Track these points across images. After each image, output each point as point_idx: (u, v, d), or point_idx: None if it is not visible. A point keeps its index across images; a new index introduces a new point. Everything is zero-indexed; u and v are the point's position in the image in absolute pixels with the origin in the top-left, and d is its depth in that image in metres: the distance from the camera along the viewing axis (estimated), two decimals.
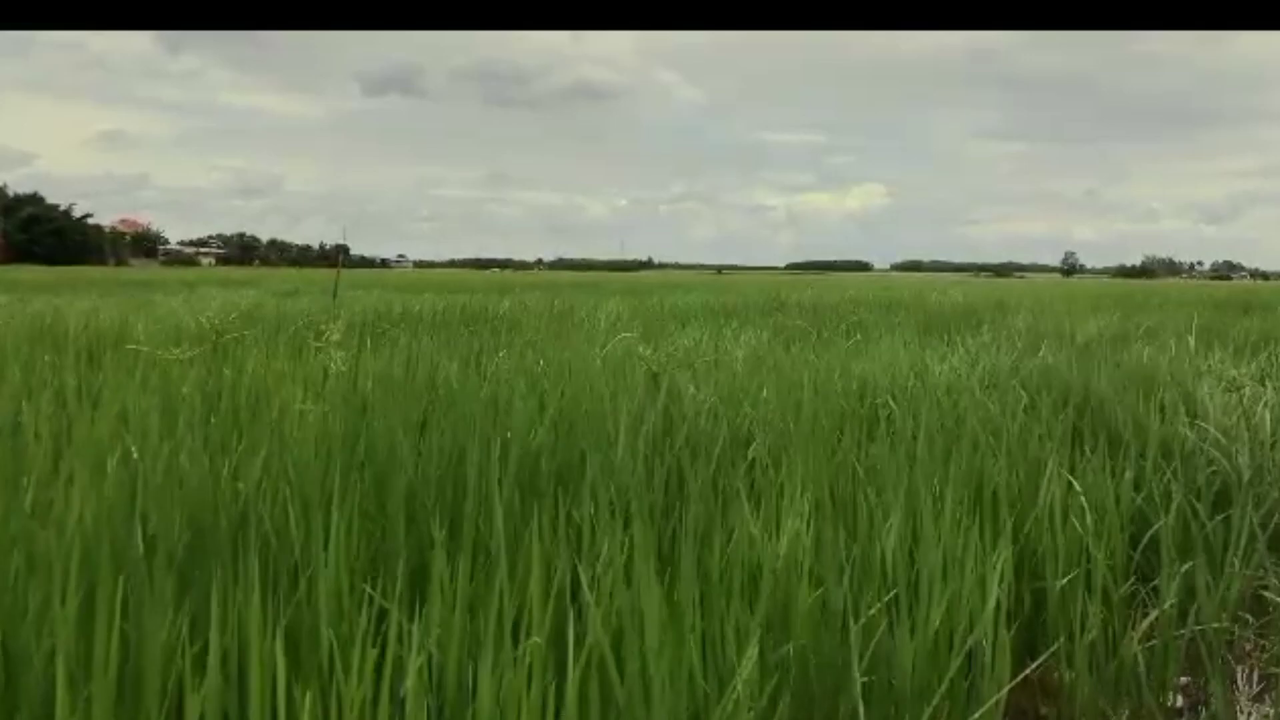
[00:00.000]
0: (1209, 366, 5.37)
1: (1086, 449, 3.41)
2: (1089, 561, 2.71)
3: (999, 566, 2.34)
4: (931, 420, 3.49)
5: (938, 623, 2.15)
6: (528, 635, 1.70)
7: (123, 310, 10.23)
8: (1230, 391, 4.37)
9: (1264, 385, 4.62)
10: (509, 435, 2.94)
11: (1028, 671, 2.38)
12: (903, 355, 6.08)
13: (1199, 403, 4.41)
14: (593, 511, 2.41)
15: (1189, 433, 3.95)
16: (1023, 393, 4.58)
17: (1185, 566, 2.70)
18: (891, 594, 2.24)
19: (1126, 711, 2.48)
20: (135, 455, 2.54)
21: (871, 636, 2.11)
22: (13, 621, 1.73)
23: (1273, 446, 3.91)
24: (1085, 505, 2.86)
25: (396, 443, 2.71)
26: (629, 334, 7.04)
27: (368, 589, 1.94)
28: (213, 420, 3.23)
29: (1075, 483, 3.00)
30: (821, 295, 16.70)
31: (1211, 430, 3.93)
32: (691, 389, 4.15)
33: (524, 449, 2.86)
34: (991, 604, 2.25)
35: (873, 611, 2.15)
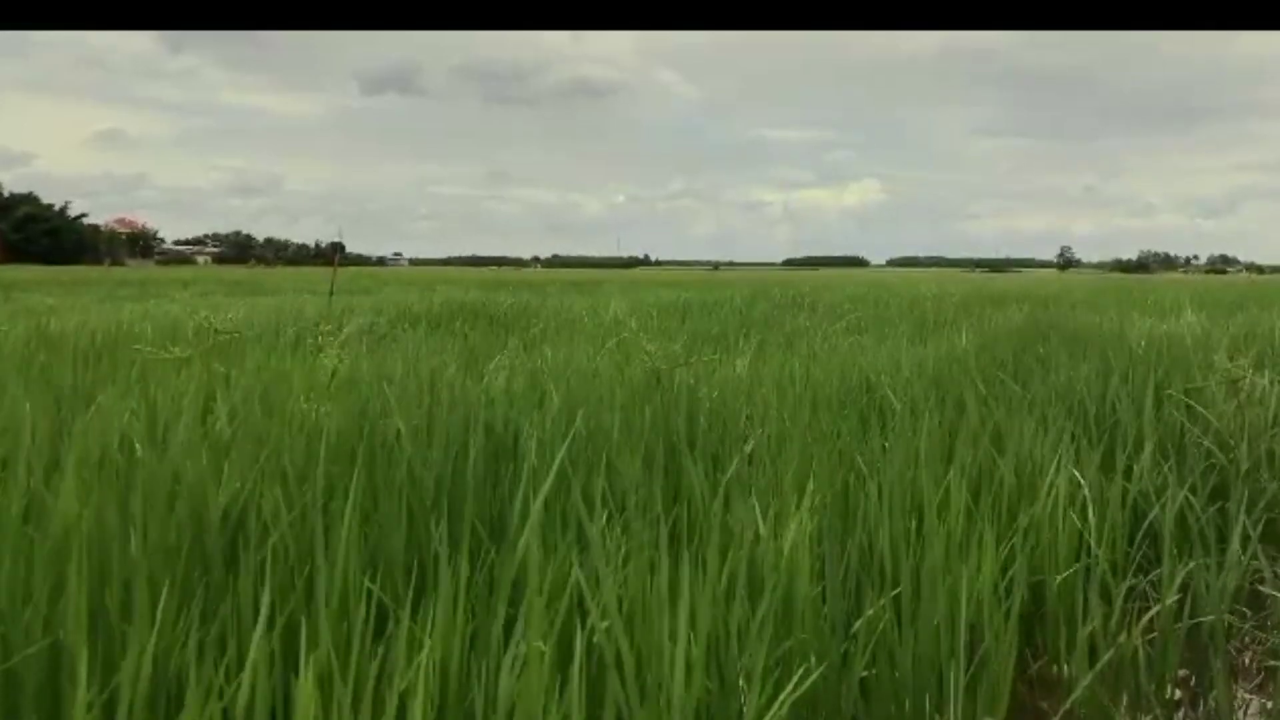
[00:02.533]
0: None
1: (1085, 442, 3.42)
2: (1089, 555, 2.72)
3: (1000, 560, 2.35)
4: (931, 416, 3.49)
5: (940, 617, 2.15)
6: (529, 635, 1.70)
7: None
8: (1229, 384, 4.37)
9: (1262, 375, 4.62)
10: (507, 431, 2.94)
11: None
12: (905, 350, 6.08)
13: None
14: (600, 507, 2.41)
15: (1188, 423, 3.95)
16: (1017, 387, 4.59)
17: (1188, 566, 2.71)
18: (894, 591, 2.25)
19: (1126, 704, 2.49)
20: (138, 452, 2.53)
21: (873, 631, 2.12)
22: (11, 620, 1.72)
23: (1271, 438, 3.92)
24: (1087, 498, 2.87)
25: (397, 442, 2.70)
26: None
27: (369, 584, 1.93)
28: (209, 419, 3.22)
29: (1079, 475, 3.00)
30: (819, 294, 16.69)
31: (1212, 421, 3.94)
32: (691, 383, 4.15)
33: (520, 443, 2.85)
34: (992, 598, 2.25)
35: (872, 611, 2.15)
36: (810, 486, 2.59)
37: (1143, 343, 6.32)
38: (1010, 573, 2.48)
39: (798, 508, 2.39)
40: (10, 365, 4.62)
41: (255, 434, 2.82)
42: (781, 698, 1.76)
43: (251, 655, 1.56)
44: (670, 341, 6.51)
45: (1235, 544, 2.83)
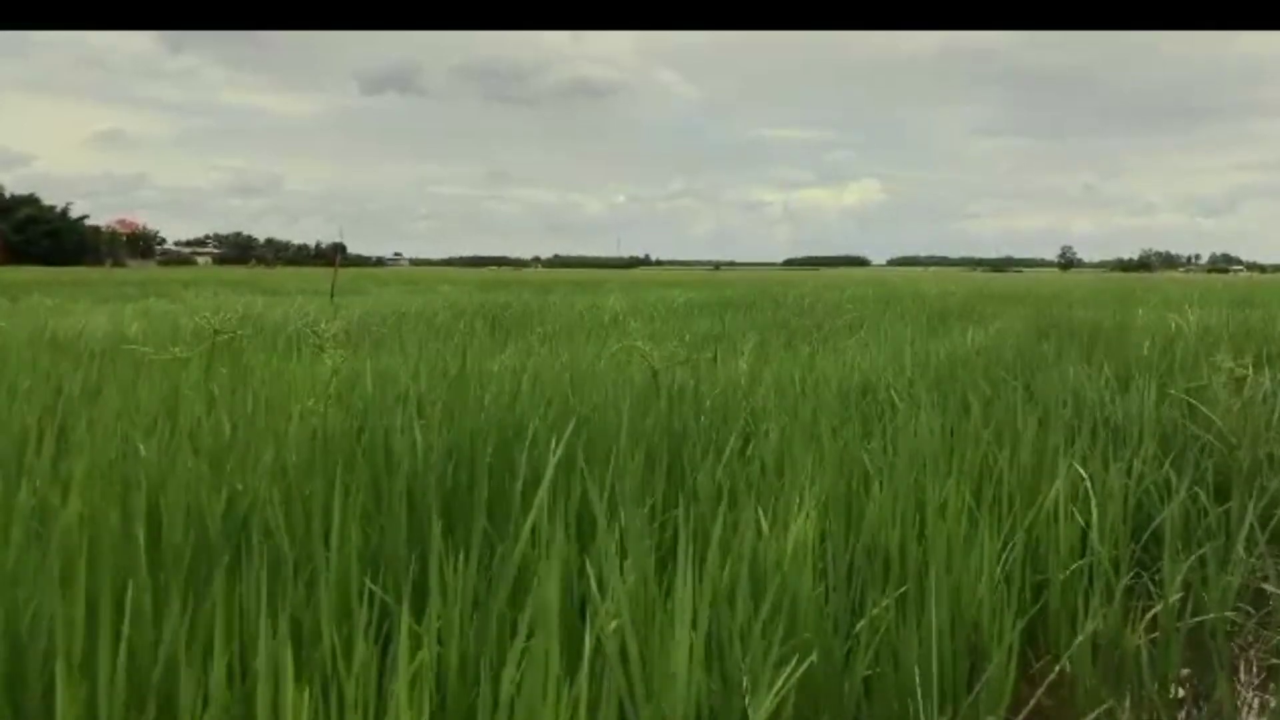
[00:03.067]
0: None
1: (1087, 439, 3.41)
2: (1092, 553, 2.71)
3: (1004, 559, 2.35)
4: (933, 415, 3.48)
5: (943, 616, 2.15)
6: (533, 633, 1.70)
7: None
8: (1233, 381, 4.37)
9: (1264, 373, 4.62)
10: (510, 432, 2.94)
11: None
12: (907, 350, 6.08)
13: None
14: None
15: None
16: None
17: (1191, 558, 2.71)
18: (900, 590, 2.24)
19: (1129, 702, 2.49)
20: (140, 453, 2.53)
21: (876, 630, 2.12)
22: (13, 619, 1.72)
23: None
24: (1091, 494, 2.87)
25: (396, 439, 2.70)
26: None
27: (372, 586, 1.93)
28: (211, 419, 3.22)
29: (1082, 470, 3.00)
30: (822, 294, 16.67)
31: (1215, 420, 3.93)
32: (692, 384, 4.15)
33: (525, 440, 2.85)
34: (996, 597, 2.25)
35: (877, 610, 2.15)
36: (812, 485, 2.59)
37: (1146, 344, 6.31)
38: (1011, 570, 2.48)
39: (800, 507, 2.39)
40: (14, 366, 4.62)
41: (257, 433, 2.83)
42: (779, 685, 1.76)
43: (216, 649, 1.56)
44: (672, 341, 6.51)
45: (1240, 543, 2.83)
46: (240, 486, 2.42)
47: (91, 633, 1.64)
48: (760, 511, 2.41)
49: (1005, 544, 2.58)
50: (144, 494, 2.14)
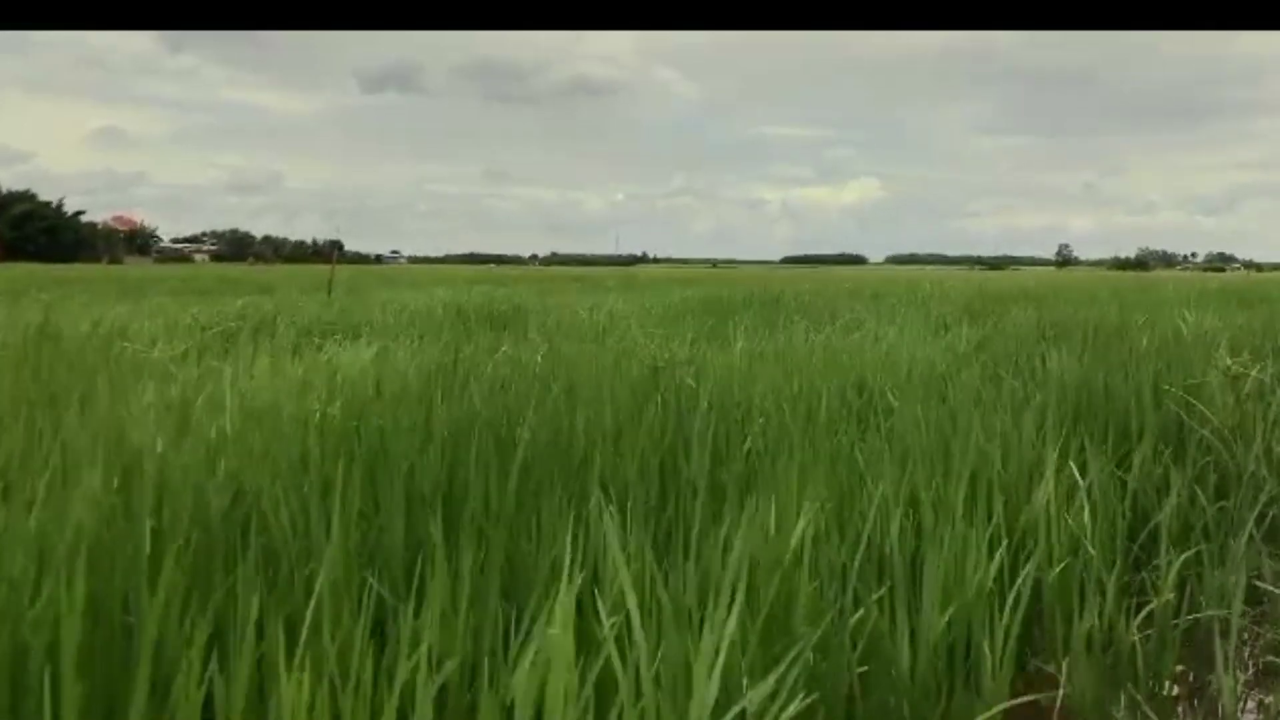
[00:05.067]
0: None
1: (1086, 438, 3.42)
2: (1088, 552, 2.72)
3: (998, 557, 2.35)
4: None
5: (937, 615, 2.16)
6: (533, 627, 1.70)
7: None
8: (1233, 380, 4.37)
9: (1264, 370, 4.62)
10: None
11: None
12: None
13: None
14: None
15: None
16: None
17: (1186, 554, 2.71)
18: (889, 585, 2.25)
19: (1124, 701, 2.49)
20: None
21: (872, 629, 2.12)
22: (16, 617, 1.73)
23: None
24: (1084, 496, 2.87)
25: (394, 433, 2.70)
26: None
27: (371, 581, 1.94)
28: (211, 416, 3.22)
29: (1077, 472, 3.00)
30: (822, 291, 16.69)
31: (1212, 418, 3.94)
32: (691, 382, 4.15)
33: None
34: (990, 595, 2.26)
35: (863, 613, 2.15)
36: (809, 484, 2.59)
37: (1144, 340, 6.32)
38: (1004, 568, 2.49)
39: (797, 507, 2.39)
40: (11, 364, 4.62)
41: (257, 431, 2.83)
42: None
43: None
44: (671, 340, 6.52)
45: (1241, 541, 2.84)
46: (239, 483, 2.42)
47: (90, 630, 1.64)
48: (757, 510, 2.41)
49: (999, 540, 2.58)
50: (144, 491, 2.14)
